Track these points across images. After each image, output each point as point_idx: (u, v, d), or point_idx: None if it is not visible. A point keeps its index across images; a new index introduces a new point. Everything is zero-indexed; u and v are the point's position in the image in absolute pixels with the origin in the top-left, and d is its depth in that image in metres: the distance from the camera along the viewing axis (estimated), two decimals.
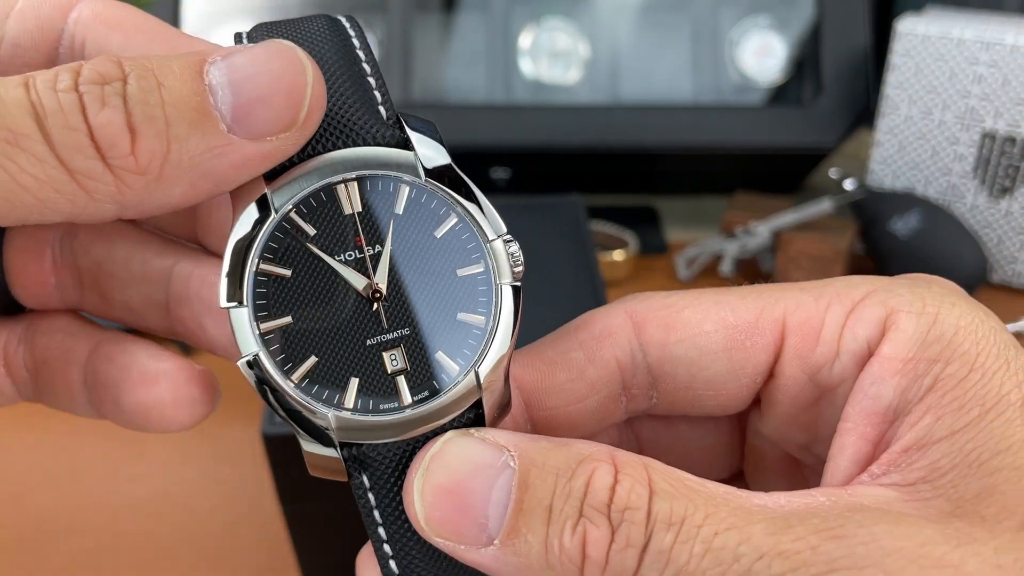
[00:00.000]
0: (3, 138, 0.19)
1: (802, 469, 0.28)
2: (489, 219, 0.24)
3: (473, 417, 0.24)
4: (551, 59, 0.83)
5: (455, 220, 0.24)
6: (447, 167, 0.24)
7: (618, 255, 0.75)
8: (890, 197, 0.74)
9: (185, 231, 0.27)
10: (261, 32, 0.24)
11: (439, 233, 0.24)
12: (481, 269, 0.24)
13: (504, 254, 0.24)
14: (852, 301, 0.24)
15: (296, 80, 0.21)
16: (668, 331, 0.25)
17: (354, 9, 0.83)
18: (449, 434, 0.22)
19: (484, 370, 0.23)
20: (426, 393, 0.23)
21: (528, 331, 0.55)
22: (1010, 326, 0.66)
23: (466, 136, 0.77)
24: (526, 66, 0.83)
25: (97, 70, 0.20)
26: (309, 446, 0.23)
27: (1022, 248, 0.73)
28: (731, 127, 0.79)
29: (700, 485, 0.21)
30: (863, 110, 0.80)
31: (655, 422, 0.29)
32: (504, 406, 0.24)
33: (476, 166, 0.82)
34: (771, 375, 0.25)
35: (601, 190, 0.87)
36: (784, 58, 0.83)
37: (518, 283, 0.24)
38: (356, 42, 0.24)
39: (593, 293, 0.51)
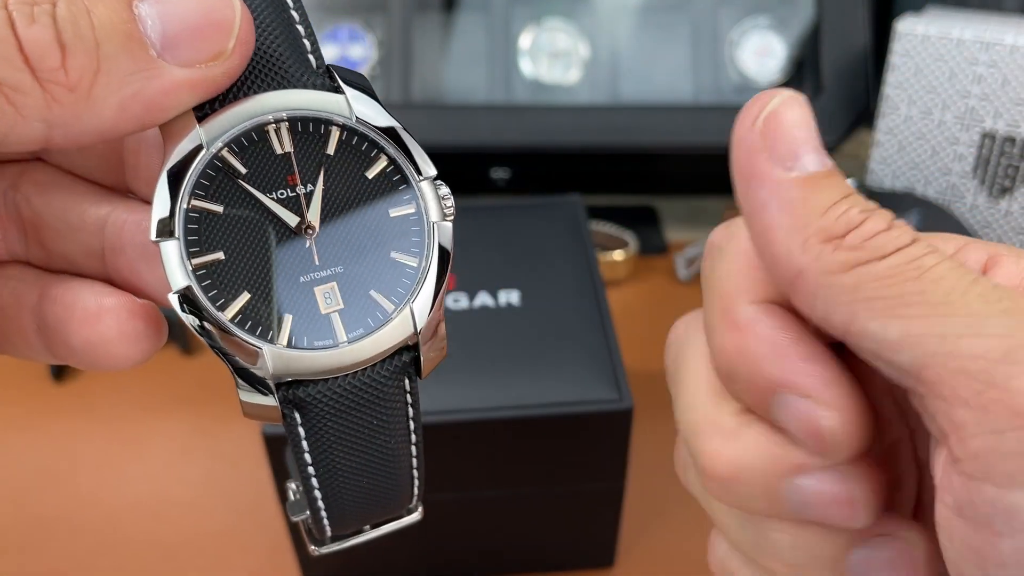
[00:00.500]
0: None
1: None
2: (419, 161, 0.24)
3: (409, 360, 0.24)
4: (551, 59, 0.83)
5: (385, 162, 0.24)
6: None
7: (618, 255, 0.75)
8: (890, 197, 0.74)
9: (116, 179, 0.27)
10: None
11: (370, 174, 0.24)
12: (412, 210, 0.24)
13: (434, 194, 0.24)
14: (962, 240, 0.26)
15: (224, 12, 0.22)
16: None
17: (354, 9, 0.83)
18: (787, 92, 0.24)
19: (418, 307, 0.24)
20: (360, 331, 0.23)
21: (528, 331, 0.55)
22: None
23: (466, 136, 0.77)
24: (526, 66, 0.83)
25: None
26: (246, 383, 0.23)
27: (1022, 248, 0.73)
28: (731, 127, 0.79)
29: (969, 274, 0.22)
30: (863, 110, 0.80)
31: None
32: (439, 346, 0.25)
33: (476, 166, 0.82)
34: None
35: (601, 190, 0.87)
36: (784, 58, 0.84)
37: (450, 222, 0.24)
38: None
39: (593, 293, 0.51)
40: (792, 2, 0.84)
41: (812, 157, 0.22)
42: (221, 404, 0.63)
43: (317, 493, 0.25)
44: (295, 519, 0.29)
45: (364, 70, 0.82)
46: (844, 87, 0.80)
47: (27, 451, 0.60)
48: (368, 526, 0.28)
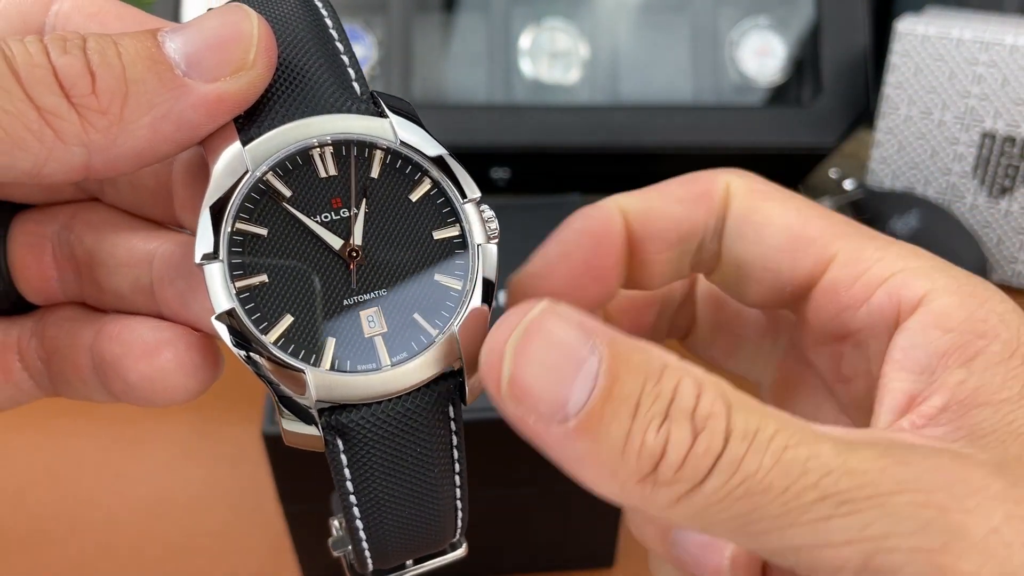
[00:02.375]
0: None
1: (831, 399, 0.30)
2: (463, 183, 0.24)
3: (454, 386, 0.24)
4: (551, 59, 0.83)
5: (429, 184, 0.24)
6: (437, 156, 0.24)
7: None
8: (890, 197, 0.74)
9: (166, 213, 0.27)
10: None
11: (414, 197, 0.24)
12: (456, 232, 0.24)
13: (478, 217, 0.24)
14: (904, 265, 0.25)
15: (242, 26, 0.22)
16: (748, 213, 0.28)
17: (354, 9, 0.83)
18: (543, 302, 0.21)
19: (461, 331, 0.23)
20: (404, 354, 0.23)
21: None
22: None
23: (466, 136, 0.77)
24: (526, 66, 0.83)
25: (59, 33, 0.22)
26: (289, 409, 0.23)
27: (1022, 248, 0.73)
28: (731, 127, 0.79)
29: (772, 407, 0.21)
30: (863, 110, 0.80)
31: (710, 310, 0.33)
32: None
33: (476, 166, 0.82)
34: (807, 297, 0.27)
35: (601, 190, 0.87)
36: (784, 58, 0.83)
37: (494, 244, 0.24)
38: (329, 21, 0.24)
39: None
40: (792, 2, 0.84)
41: (578, 387, 0.20)
42: (221, 405, 0.63)
43: (359, 523, 0.24)
44: (337, 554, 0.28)
45: (364, 70, 0.82)
46: (844, 87, 0.80)
47: (27, 451, 0.60)
48: (410, 561, 0.27)
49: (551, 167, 0.84)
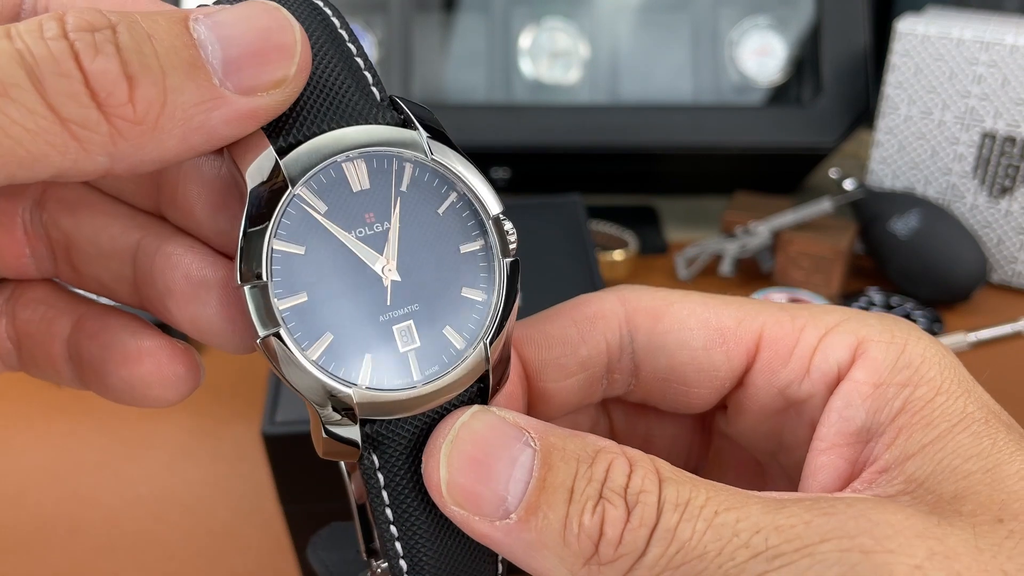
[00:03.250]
0: None
1: (764, 475, 0.30)
2: (485, 197, 0.24)
3: (476, 391, 0.24)
4: (551, 59, 0.83)
5: (455, 197, 0.24)
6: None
7: (618, 255, 0.75)
8: (890, 197, 0.74)
9: (148, 201, 0.26)
10: None
11: (441, 210, 0.24)
12: (481, 245, 0.24)
13: (499, 230, 0.24)
14: (826, 326, 0.26)
15: (285, 36, 0.21)
16: (656, 321, 0.27)
17: (354, 9, 0.83)
18: (475, 407, 0.23)
19: (490, 343, 0.24)
20: (435, 368, 0.23)
21: None
22: (1010, 326, 0.66)
23: (466, 136, 0.77)
24: (526, 66, 0.83)
25: (84, 18, 0.19)
26: (333, 427, 0.23)
27: (1022, 248, 0.73)
28: (731, 127, 0.79)
29: (702, 479, 0.22)
30: (863, 110, 0.80)
31: (626, 408, 0.31)
32: (502, 379, 0.25)
33: (476, 166, 0.82)
34: (741, 383, 0.27)
35: (601, 190, 0.87)
36: (784, 58, 0.84)
37: (515, 258, 0.24)
38: (336, 21, 0.24)
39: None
40: (792, 2, 0.84)
41: (515, 482, 0.21)
42: (221, 405, 0.63)
43: (403, 564, 0.24)
44: None
45: None
46: (844, 87, 0.80)
47: (27, 451, 0.60)
48: None
49: (551, 167, 0.84)
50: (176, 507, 0.56)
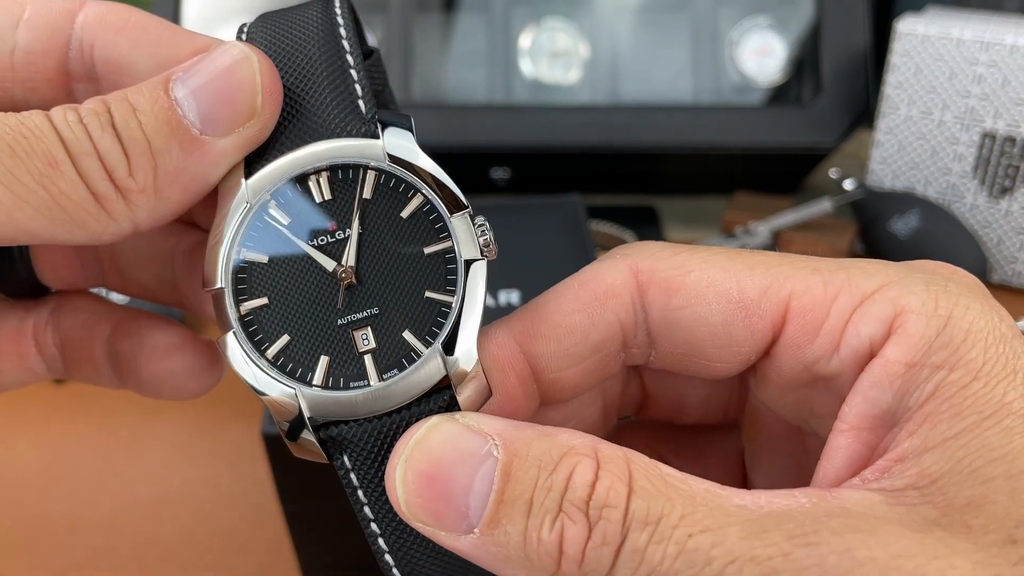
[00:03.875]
0: (47, 163, 0.21)
1: (801, 434, 0.28)
2: (454, 195, 0.24)
3: (448, 399, 0.24)
4: (551, 59, 0.83)
5: (420, 200, 0.24)
6: (410, 155, 0.25)
7: None
8: (890, 197, 0.74)
9: (184, 213, 0.29)
10: (260, 24, 0.26)
11: (405, 214, 0.24)
12: (448, 246, 0.24)
13: (469, 229, 0.24)
14: (862, 294, 0.23)
15: (245, 75, 0.23)
16: (671, 296, 0.25)
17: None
18: (433, 419, 0.22)
19: (452, 347, 0.24)
20: (394, 371, 0.23)
21: None
22: None
23: (466, 136, 0.77)
24: (526, 66, 0.83)
25: (89, 107, 0.23)
26: (290, 428, 0.24)
27: (1022, 248, 0.73)
28: (731, 127, 0.79)
29: (681, 483, 0.20)
30: (863, 110, 0.80)
31: (655, 369, 0.29)
32: (482, 390, 0.24)
33: (476, 166, 0.82)
34: (767, 354, 0.25)
35: (601, 190, 0.87)
36: (784, 58, 0.83)
37: (485, 257, 0.24)
38: (343, 31, 0.25)
39: None
40: (792, 2, 0.84)
41: (477, 493, 0.20)
42: (221, 404, 0.63)
43: (389, 559, 0.24)
44: None
45: None
46: (844, 87, 0.80)
47: (27, 451, 0.60)
48: None
49: (551, 167, 0.84)
50: (176, 507, 0.56)
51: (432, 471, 0.21)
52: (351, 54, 0.25)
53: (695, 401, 0.30)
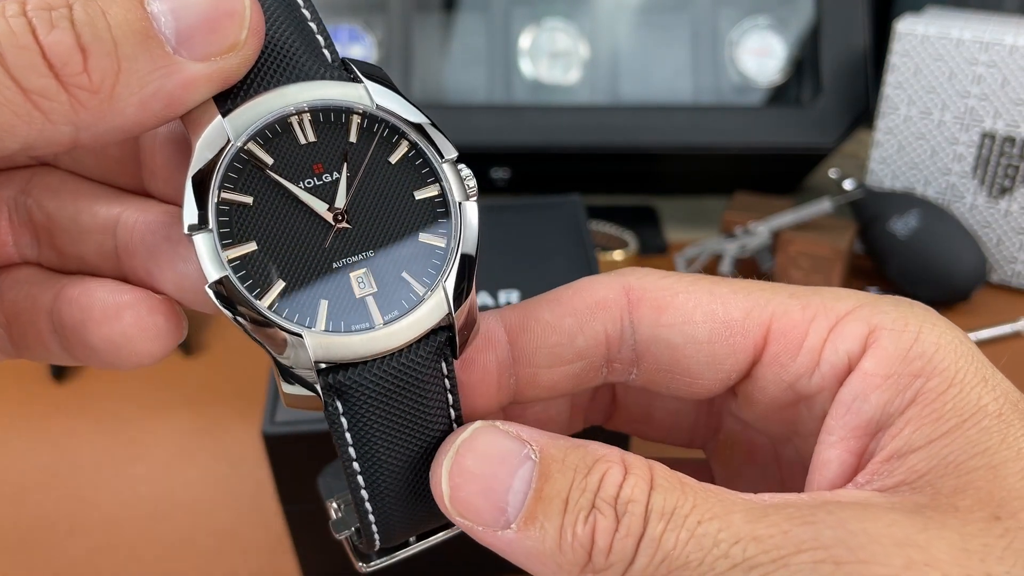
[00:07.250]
0: None
1: (778, 458, 0.30)
2: (439, 144, 0.25)
3: (445, 340, 0.24)
4: (551, 59, 0.83)
5: (407, 146, 0.24)
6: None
7: (618, 255, 0.75)
8: (889, 197, 0.74)
9: (132, 180, 0.27)
10: None
11: (393, 159, 0.24)
12: (437, 191, 0.25)
13: (456, 176, 0.25)
14: (837, 315, 0.25)
15: (234, 4, 0.22)
16: (660, 313, 0.27)
17: (354, 9, 0.83)
18: (478, 423, 0.24)
19: (450, 287, 0.24)
20: (395, 313, 0.24)
21: None
22: (1010, 326, 0.66)
23: (466, 136, 0.78)
24: (526, 66, 0.83)
25: (43, 2, 0.21)
26: (287, 386, 0.23)
27: (1022, 248, 0.73)
28: (731, 127, 0.79)
29: (695, 483, 0.22)
30: (863, 110, 0.80)
31: (632, 387, 0.30)
32: (472, 325, 0.25)
33: (476, 166, 0.82)
34: (748, 374, 0.27)
35: (601, 190, 0.87)
36: (783, 58, 0.84)
37: (473, 201, 0.25)
38: None
39: None
40: (792, 2, 0.84)
41: (515, 493, 0.22)
42: (221, 404, 0.63)
43: (364, 493, 0.25)
44: (340, 536, 0.28)
45: None
46: (844, 87, 0.80)
47: (27, 451, 0.60)
48: (414, 537, 0.27)
49: (551, 167, 0.84)
50: (176, 507, 0.56)
51: (476, 468, 0.23)
52: (305, 7, 0.24)
53: (663, 417, 0.31)
